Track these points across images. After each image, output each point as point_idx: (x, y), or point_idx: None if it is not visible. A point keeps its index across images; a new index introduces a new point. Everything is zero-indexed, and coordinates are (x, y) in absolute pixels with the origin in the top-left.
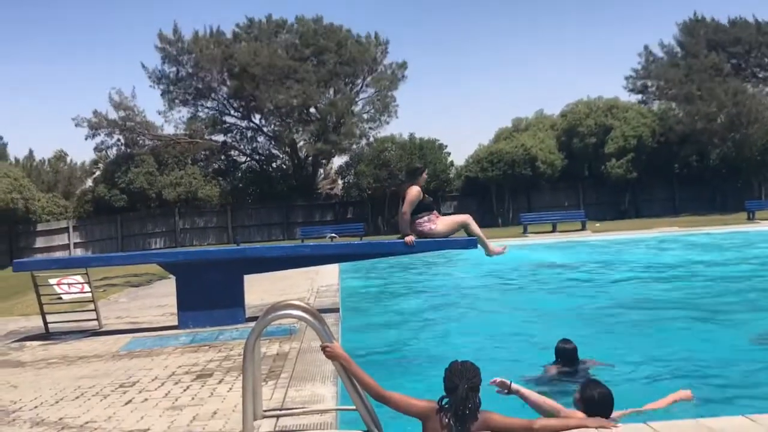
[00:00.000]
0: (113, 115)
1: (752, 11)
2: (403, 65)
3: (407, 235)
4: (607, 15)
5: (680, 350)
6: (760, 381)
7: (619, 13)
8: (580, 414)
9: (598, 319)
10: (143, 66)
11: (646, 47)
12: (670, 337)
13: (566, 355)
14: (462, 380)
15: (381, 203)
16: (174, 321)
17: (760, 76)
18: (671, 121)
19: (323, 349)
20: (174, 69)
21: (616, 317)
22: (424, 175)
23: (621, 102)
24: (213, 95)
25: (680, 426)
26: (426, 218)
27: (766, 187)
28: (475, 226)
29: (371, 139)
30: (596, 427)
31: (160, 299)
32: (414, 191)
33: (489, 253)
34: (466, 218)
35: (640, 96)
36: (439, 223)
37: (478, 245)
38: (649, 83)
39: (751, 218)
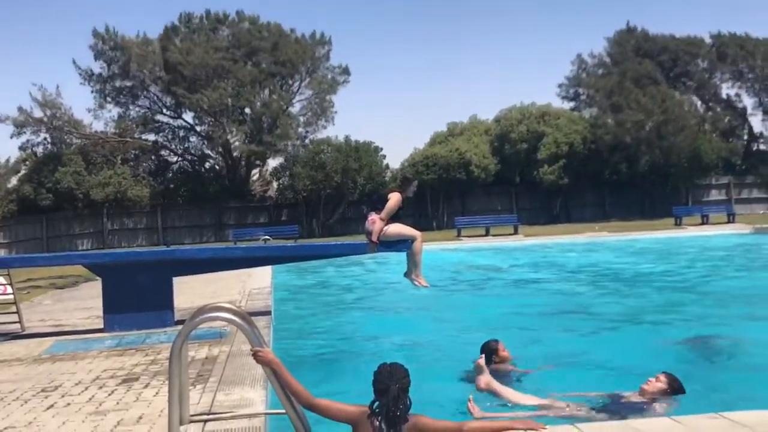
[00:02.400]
0: (39, 113)
1: (678, 26)
2: (345, 70)
3: (373, 241)
4: (542, 21)
5: (605, 352)
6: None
7: (554, 20)
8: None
9: (525, 320)
10: (75, 63)
11: (578, 55)
12: (596, 339)
13: (484, 351)
14: (392, 381)
15: (316, 205)
16: (100, 324)
17: (688, 84)
18: (602, 130)
19: (253, 353)
20: (105, 66)
21: (542, 319)
22: (413, 186)
23: (553, 108)
24: (144, 93)
25: (607, 427)
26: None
27: (694, 193)
28: (419, 245)
29: (307, 141)
30: (525, 429)
31: (85, 302)
32: (396, 198)
33: (413, 277)
34: (418, 234)
35: (572, 103)
36: (392, 226)
37: (407, 258)
38: (581, 91)
39: (678, 224)
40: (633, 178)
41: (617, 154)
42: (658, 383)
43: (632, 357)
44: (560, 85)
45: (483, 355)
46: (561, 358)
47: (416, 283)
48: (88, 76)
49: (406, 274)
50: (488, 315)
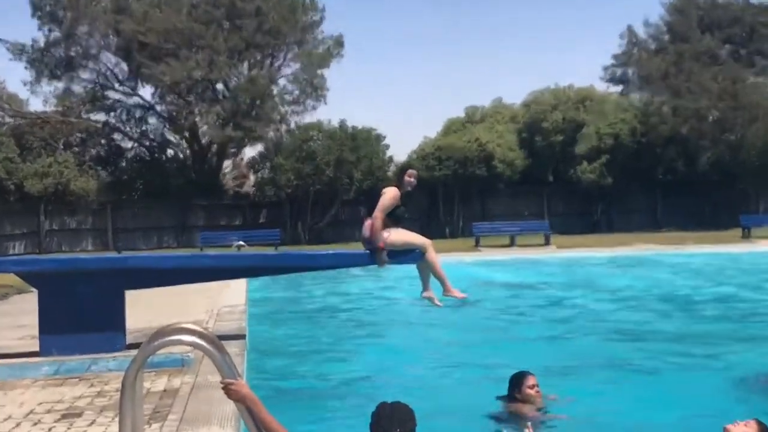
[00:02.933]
0: None
1: None
2: (338, 41)
3: (377, 248)
4: None
5: (657, 393)
6: None
7: None
8: None
9: (556, 350)
10: None
11: (629, 27)
12: (643, 376)
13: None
14: (393, 425)
15: (303, 205)
16: (35, 346)
17: (760, 65)
18: (655, 119)
19: (224, 386)
20: (45, 31)
21: (576, 351)
22: (409, 178)
23: (596, 92)
24: (93, 64)
25: None
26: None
27: (766, 198)
28: (433, 255)
29: (293, 125)
30: None
31: (18, 318)
32: (391, 193)
33: (432, 296)
34: (427, 243)
35: (619, 86)
36: (394, 233)
37: (420, 273)
38: (631, 71)
39: (746, 236)
40: (692, 179)
41: (673, 148)
42: (749, 430)
43: (692, 399)
44: (605, 68)
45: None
46: (600, 401)
47: (446, 296)
48: (19, 50)
49: (424, 294)
50: (510, 344)
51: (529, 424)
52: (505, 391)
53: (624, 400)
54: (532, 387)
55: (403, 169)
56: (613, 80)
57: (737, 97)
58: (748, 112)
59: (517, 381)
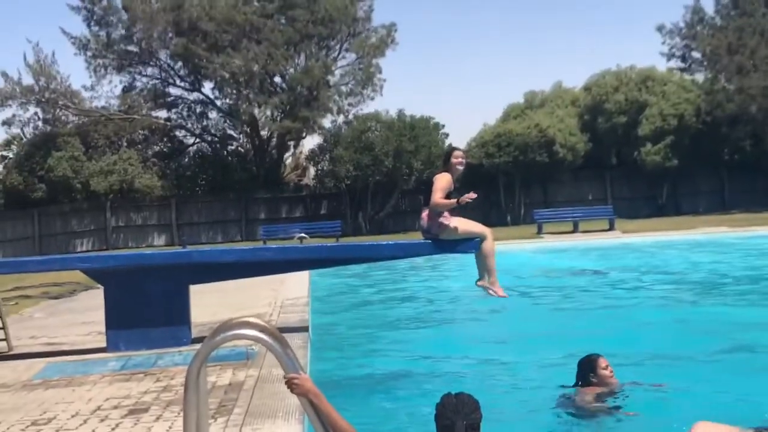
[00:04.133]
0: (28, 80)
1: None
2: (391, 28)
3: (438, 230)
4: None
5: (731, 379)
6: None
7: None
8: None
9: (625, 339)
10: (63, 32)
11: (695, 3)
12: (718, 363)
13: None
14: (458, 416)
15: (363, 196)
16: (102, 342)
17: None
18: (720, 97)
19: (287, 381)
20: (103, 31)
21: (647, 337)
22: (456, 159)
23: (658, 73)
24: (153, 61)
25: None
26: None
27: None
28: (491, 245)
29: (351, 116)
30: None
31: (85, 314)
32: (445, 179)
33: (487, 285)
34: (487, 232)
35: (681, 64)
36: (454, 221)
37: (476, 261)
38: (695, 47)
39: None
40: (760, 159)
41: (740, 128)
42: None
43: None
44: (666, 42)
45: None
46: (679, 386)
47: (491, 292)
48: (83, 45)
49: (479, 282)
50: (576, 332)
51: None
52: (570, 380)
53: (696, 387)
54: (606, 368)
55: (448, 152)
56: (675, 56)
57: None
58: None
59: (590, 364)
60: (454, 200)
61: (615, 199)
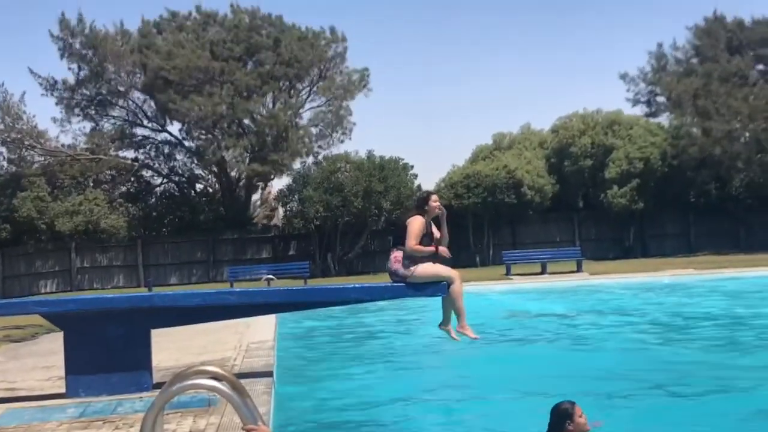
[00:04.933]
0: None
1: None
2: (364, 72)
3: (405, 273)
4: (608, 13)
5: (689, 419)
6: None
7: (623, 12)
8: None
9: (598, 383)
10: (32, 72)
11: (659, 45)
12: (688, 407)
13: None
14: None
15: (332, 236)
16: (62, 387)
17: None
18: (685, 141)
19: None
20: (74, 68)
21: (615, 382)
22: (433, 203)
23: (624, 117)
24: (121, 101)
25: None
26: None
27: None
28: (459, 288)
29: (320, 157)
30: None
31: (46, 358)
32: (418, 222)
33: (450, 328)
34: (455, 275)
35: (647, 108)
36: (421, 265)
37: (442, 304)
38: (659, 93)
39: None
40: (725, 202)
41: (705, 171)
42: None
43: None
44: (622, 76)
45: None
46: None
47: (460, 332)
48: (51, 85)
49: (442, 325)
50: (545, 376)
51: None
52: (543, 426)
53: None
54: (581, 416)
55: (423, 197)
56: (639, 101)
57: None
58: None
59: (566, 412)
60: (432, 248)
61: (582, 241)
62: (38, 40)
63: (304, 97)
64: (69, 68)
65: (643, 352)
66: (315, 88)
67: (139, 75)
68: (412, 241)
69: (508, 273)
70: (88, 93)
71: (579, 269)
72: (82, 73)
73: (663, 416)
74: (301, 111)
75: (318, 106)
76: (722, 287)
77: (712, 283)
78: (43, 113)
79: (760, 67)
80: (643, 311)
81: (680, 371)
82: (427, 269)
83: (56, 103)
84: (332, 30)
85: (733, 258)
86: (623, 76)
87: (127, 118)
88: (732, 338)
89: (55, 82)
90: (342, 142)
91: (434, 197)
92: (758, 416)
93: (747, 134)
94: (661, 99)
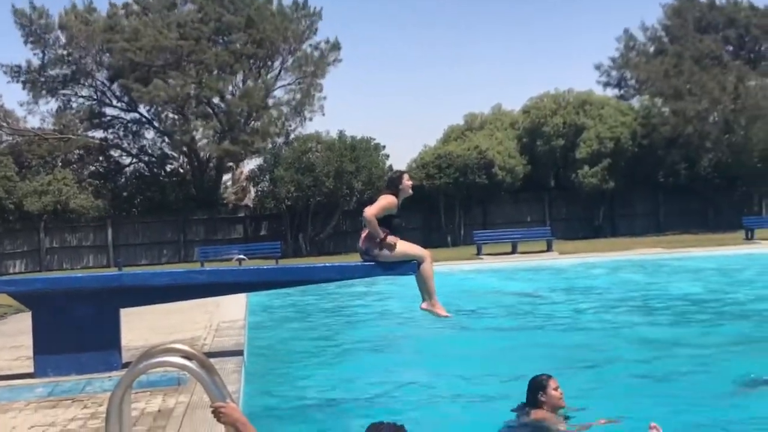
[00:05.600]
0: None
1: None
2: (334, 46)
3: (376, 251)
4: None
5: (661, 397)
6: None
7: None
8: None
9: (569, 360)
10: None
11: (626, 31)
12: (650, 381)
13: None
14: None
15: (303, 217)
16: (30, 367)
17: (762, 66)
18: (656, 121)
19: (213, 410)
20: (39, 51)
21: (588, 359)
22: (407, 182)
23: (595, 97)
24: (89, 81)
25: None
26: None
27: None
28: (429, 267)
29: (291, 137)
30: None
31: (15, 338)
32: (389, 198)
33: (429, 307)
34: (425, 254)
35: (618, 90)
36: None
37: (418, 283)
38: (629, 75)
39: (749, 238)
40: (694, 182)
41: (675, 151)
42: None
43: (699, 404)
44: (600, 68)
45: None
46: (619, 408)
47: (434, 312)
48: (15, 73)
49: (423, 305)
50: (516, 354)
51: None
52: (510, 403)
53: (635, 408)
54: (556, 389)
55: (398, 176)
56: (609, 84)
57: (738, 99)
58: (749, 114)
59: (540, 384)
60: (382, 234)
61: (553, 221)
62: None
63: (275, 75)
64: (34, 53)
65: (612, 329)
66: (286, 65)
67: (105, 55)
68: (372, 209)
69: (479, 253)
70: (54, 74)
71: (549, 249)
72: (48, 56)
73: (634, 392)
74: (272, 89)
75: (288, 84)
76: (690, 266)
77: (681, 262)
78: (10, 98)
79: (729, 47)
80: (612, 290)
81: (649, 348)
82: (398, 247)
83: (23, 88)
84: (304, 4)
85: (701, 237)
86: (598, 66)
87: (95, 98)
88: (700, 316)
89: (19, 68)
90: (312, 120)
91: (407, 176)
92: (729, 391)
93: (716, 114)
94: (631, 83)
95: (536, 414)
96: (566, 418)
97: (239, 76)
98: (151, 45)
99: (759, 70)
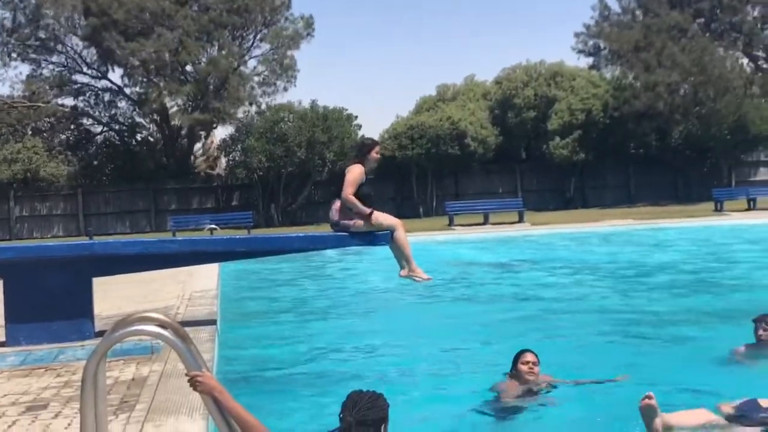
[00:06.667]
0: None
1: None
2: (308, 21)
3: (365, 216)
4: None
5: (629, 366)
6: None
7: None
8: None
9: (541, 329)
10: None
11: (600, 1)
12: (622, 350)
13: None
14: (350, 413)
15: (275, 187)
16: (1, 336)
17: (731, 38)
18: (627, 93)
19: (189, 379)
20: (9, 14)
21: (560, 328)
22: (375, 154)
23: (567, 68)
24: (60, 47)
25: None
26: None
27: (738, 171)
28: (402, 235)
29: (263, 107)
30: None
31: None
32: (357, 170)
33: (408, 273)
34: (397, 223)
35: (591, 59)
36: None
37: (393, 253)
38: (602, 45)
39: (719, 209)
40: (664, 154)
41: (646, 123)
42: None
43: (667, 374)
44: (577, 35)
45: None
46: (586, 375)
47: (417, 279)
48: None
49: (402, 273)
50: (486, 325)
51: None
52: (486, 372)
53: (600, 375)
54: (526, 363)
55: (368, 145)
56: (583, 52)
57: (707, 71)
58: (718, 86)
59: (515, 357)
60: (366, 210)
61: (524, 192)
62: None
63: (249, 44)
64: (3, 16)
65: (584, 300)
66: (260, 36)
67: (79, 19)
68: (348, 189)
69: (450, 224)
70: (25, 38)
71: (520, 220)
72: (17, 20)
73: (605, 360)
74: (245, 58)
75: (262, 54)
76: (660, 237)
77: (651, 233)
78: None
79: (699, 20)
80: (582, 260)
81: (621, 318)
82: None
83: None
84: None
85: (671, 209)
86: (578, 34)
87: (66, 64)
88: (670, 286)
89: None
90: (286, 90)
91: (378, 149)
92: (699, 359)
93: (686, 87)
94: (605, 52)
95: (500, 385)
96: (542, 390)
97: (215, 46)
98: (133, 3)
99: (727, 43)
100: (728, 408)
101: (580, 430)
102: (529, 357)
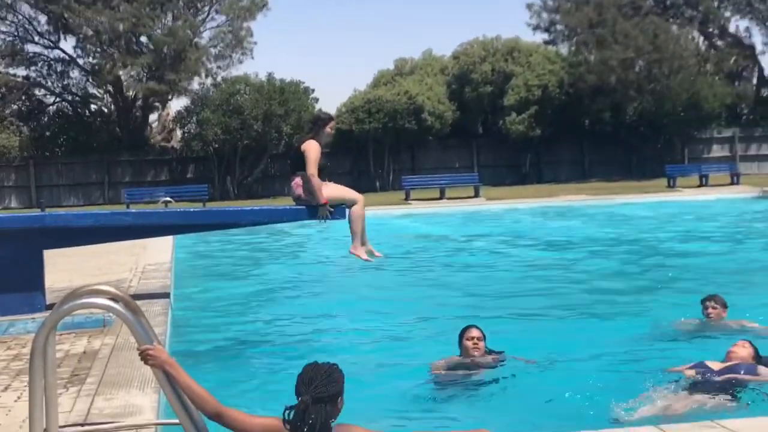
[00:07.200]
0: None
1: None
2: None
3: (320, 203)
4: None
5: (576, 338)
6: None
7: None
8: None
9: (495, 304)
10: None
11: None
12: (570, 325)
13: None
14: (307, 389)
15: (231, 160)
16: None
17: (686, 15)
18: (582, 69)
19: (140, 352)
20: None
21: (513, 303)
22: (330, 129)
23: (524, 44)
24: (11, 15)
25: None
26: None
27: (691, 148)
28: (360, 210)
29: (219, 79)
30: None
31: None
32: (315, 147)
33: (354, 251)
34: (359, 197)
35: (546, 35)
36: (325, 189)
37: (350, 227)
38: (558, 20)
39: (671, 185)
40: (618, 130)
41: (600, 99)
42: (746, 349)
43: (617, 346)
44: (529, 6)
45: None
46: (537, 350)
47: (363, 257)
48: None
49: (351, 249)
50: (439, 299)
51: None
52: (435, 346)
53: (551, 349)
54: (470, 339)
55: (324, 119)
56: (538, 28)
57: (660, 48)
58: (671, 63)
59: (460, 332)
60: (322, 199)
61: (481, 167)
62: None
63: (204, 16)
64: None
65: (537, 273)
66: (216, 7)
67: None
68: (311, 167)
69: (407, 198)
70: None
71: (476, 195)
72: None
73: (554, 335)
74: (201, 30)
75: (218, 26)
76: (613, 212)
77: (604, 209)
78: None
79: None
80: (536, 235)
81: (571, 293)
82: (332, 192)
83: None
84: None
85: (624, 185)
86: (529, 6)
87: (16, 33)
88: (621, 261)
89: None
90: (242, 62)
91: (333, 124)
92: (646, 331)
93: (641, 63)
94: (560, 27)
95: (445, 361)
96: (488, 366)
97: (169, 16)
98: None
99: (682, 20)
100: (690, 372)
101: (523, 406)
102: (474, 332)
